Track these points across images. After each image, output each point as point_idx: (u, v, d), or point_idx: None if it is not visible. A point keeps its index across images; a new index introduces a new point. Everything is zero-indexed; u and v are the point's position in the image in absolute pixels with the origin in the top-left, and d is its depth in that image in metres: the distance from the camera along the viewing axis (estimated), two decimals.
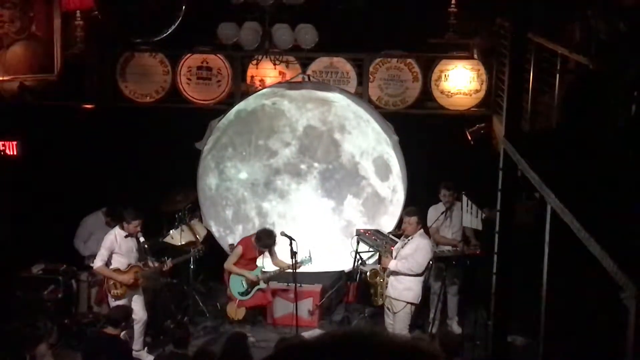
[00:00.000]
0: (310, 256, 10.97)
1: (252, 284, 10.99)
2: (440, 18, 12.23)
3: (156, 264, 10.60)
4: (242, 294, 11.00)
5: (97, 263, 10.18)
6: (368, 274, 10.71)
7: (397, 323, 10.10)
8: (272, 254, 11.04)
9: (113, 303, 10.08)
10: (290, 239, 10.60)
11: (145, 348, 10.58)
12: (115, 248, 10.19)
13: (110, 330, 8.85)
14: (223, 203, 12.79)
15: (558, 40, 8.55)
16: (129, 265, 10.23)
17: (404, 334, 9.93)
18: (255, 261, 11.06)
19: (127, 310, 9.47)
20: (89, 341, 9.35)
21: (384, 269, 10.37)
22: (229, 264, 11.09)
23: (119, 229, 10.27)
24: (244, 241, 11.19)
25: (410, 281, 10.09)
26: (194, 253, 11.26)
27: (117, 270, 10.17)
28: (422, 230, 10.24)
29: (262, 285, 10.99)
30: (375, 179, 12.62)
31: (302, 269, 10.92)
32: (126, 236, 10.21)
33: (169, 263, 10.72)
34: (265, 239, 10.85)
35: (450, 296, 11.37)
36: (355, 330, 1.84)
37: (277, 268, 11.02)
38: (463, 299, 11.32)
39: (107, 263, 10.19)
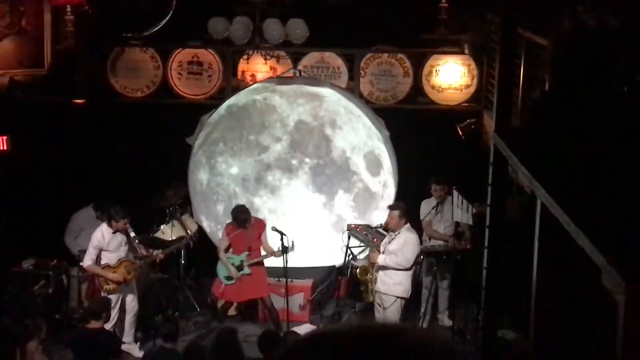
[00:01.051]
0: (292, 244, 10.93)
1: (236, 268, 10.97)
2: (431, 13, 12.24)
3: (147, 252, 10.61)
4: (227, 278, 10.99)
5: (86, 262, 10.17)
6: (358, 271, 10.72)
7: (388, 318, 10.13)
8: (264, 241, 10.97)
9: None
10: (282, 234, 10.61)
11: (138, 343, 10.58)
12: (103, 246, 10.16)
13: (93, 324, 8.83)
14: (214, 198, 12.77)
15: (548, 36, 8.56)
16: (119, 259, 10.22)
17: None
18: (243, 244, 10.95)
19: (106, 301, 9.48)
20: (76, 340, 9.30)
21: (373, 265, 10.41)
22: (218, 250, 11.12)
23: (106, 225, 10.23)
24: (226, 226, 11.21)
25: (400, 275, 10.14)
26: (186, 241, 11.30)
27: (107, 266, 10.15)
28: (408, 225, 10.28)
29: (247, 270, 10.92)
30: (366, 174, 12.62)
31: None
32: (114, 232, 10.19)
33: (160, 254, 10.73)
34: (236, 214, 10.85)
35: (441, 290, 11.40)
36: (389, 325, 1.76)
37: (264, 253, 11.00)
38: (453, 293, 11.35)
39: (97, 260, 10.16)
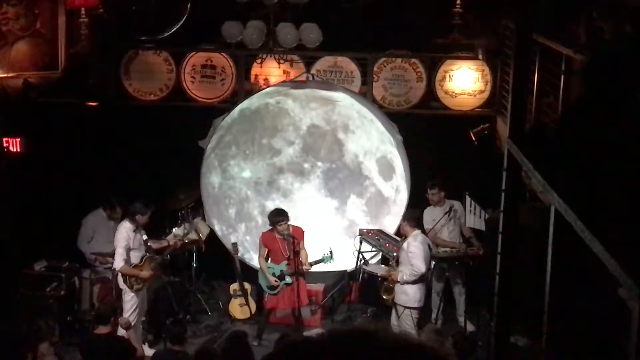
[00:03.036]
0: (330, 253, 10.86)
1: (277, 278, 10.81)
2: (445, 18, 12.22)
3: (164, 244, 10.66)
4: (270, 288, 10.88)
5: (119, 263, 10.07)
6: (384, 295, 10.59)
7: (402, 325, 10.16)
8: (300, 249, 10.79)
9: (128, 299, 10.07)
10: (293, 238, 10.58)
11: (146, 344, 10.60)
12: (130, 244, 10.18)
13: (101, 329, 8.78)
14: (226, 202, 12.78)
15: (563, 41, 8.54)
16: (142, 258, 10.26)
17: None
18: (283, 252, 10.76)
19: (112, 305, 9.45)
20: (85, 346, 9.29)
21: (393, 282, 10.35)
22: (258, 259, 11.03)
23: (128, 223, 10.24)
24: (262, 234, 11.07)
25: (405, 285, 10.16)
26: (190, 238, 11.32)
27: (135, 265, 10.18)
28: (415, 232, 10.24)
29: (288, 280, 10.74)
30: (378, 179, 12.61)
31: (320, 267, 10.89)
32: (135, 230, 10.22)
33: (177, 241, 10.75)
34: (271, 217, 10.73)
35: (457, 296, 11.36)
36: (359, 328, 1.82)
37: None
38: (466, 299, 11.31)
39: (127, 260, 10.15)
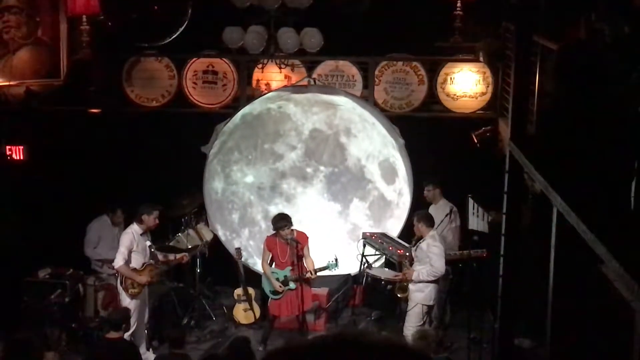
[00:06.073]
0: (336, 261, 10.84)
1: (281, 283, 10.76)
2: (446, 21, 12.24)
3: (171, 257, 10.67)
4: (273, 292, 10.84)
5: (119, 262, 10.08)
6: (398, 294, 10.57)
7: (407, 321, 10.16)
8: (306, 255, 10.74)
9: (125, 304, 10.07)
10: (297, 243, 10.58)
11: (150, 349, 10.61)
12: (134, 246, 10.19)
13: (112, 334, 8.82)
14: (229, 207, 12.79)
15: (564, 43, 8.53)
16: (143, 264, 10.26)
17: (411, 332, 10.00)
18: (287, 257, 10.71)
19: (126, 312, 9.46)
20: (95, 349, 9.30)
21: (407, 281, 10.33)
22: (261, 264, 11.00)
23: (136, 225, 10.25)
24: (266, 238, 11.04)
25: (421, 283, 10.14)
26: (201, 249, 11.34)
27: (134, 269, 10.18)
28: (432, 232, 10.21)
29: (292, 285, 10.69)
30: (381, 183, 12.61)
31: (324, 272, 10.88)
32: (142, 234, 10.23)
33: (185, 256, 10.80)
34: (275, 223, 10.71)
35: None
36: (342, 332, 1.84)
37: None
38: (470, 301, 11.29)
39: (127, 262, 10.16)
